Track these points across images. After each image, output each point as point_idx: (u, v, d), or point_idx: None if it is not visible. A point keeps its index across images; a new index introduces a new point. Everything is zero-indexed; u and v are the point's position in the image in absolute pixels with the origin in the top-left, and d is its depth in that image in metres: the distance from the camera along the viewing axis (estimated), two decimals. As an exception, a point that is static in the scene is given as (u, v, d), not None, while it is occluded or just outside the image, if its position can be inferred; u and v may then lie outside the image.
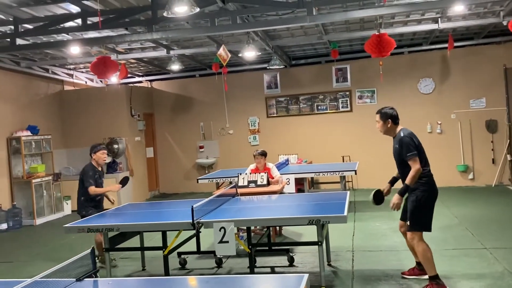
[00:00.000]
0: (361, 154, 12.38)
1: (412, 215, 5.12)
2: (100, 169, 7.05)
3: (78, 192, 6.90)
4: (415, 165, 5.04)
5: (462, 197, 10.72)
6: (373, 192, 5.40)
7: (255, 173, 7.66)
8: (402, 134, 5.25)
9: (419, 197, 5.07)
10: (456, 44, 10.18)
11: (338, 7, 8.28)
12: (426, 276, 5.20)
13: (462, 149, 12.25)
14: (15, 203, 10.62)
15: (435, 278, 5.04)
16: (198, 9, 6.27)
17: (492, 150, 12.10)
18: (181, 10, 6.12)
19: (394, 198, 5.12)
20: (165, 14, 6.35)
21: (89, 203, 6.83)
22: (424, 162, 5.18)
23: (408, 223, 5.21)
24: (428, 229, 5.12)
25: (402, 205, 5.22)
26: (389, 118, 5.32)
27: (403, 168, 5.21)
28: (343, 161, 12.47)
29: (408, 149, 5.10)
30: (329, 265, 6.19)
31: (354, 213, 9.28)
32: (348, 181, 12.27)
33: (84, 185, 6.79)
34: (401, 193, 5.08)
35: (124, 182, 7.10)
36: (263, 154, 8.00)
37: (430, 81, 12.45)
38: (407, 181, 5.05)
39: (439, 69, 12.40)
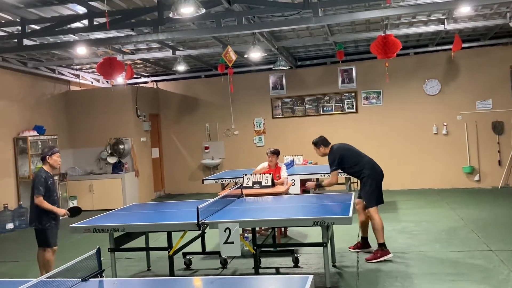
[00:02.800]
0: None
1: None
2: (52, 173, 6.19)
3: (31, 202, 6.04)
4: (331, 178, 6.73)
5: (467, 198, 10.69)
6: None
7: (267, 173, 7.69)
8: (328, 154, 6.76)
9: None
10: (462, 45, 10.15)
11: (344, 8, 8.28)
12: (368, 250, 6.68)
13: (468, 150, 12.21)
14: (21, 203, 10.67)
15: (382, 245, 6.33)
16: (204, 10, 6.29)
17: (498, 151, 12.05)
18: (187, 11, 6.13)
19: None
20: (171, 15, 6.36)
21: (49, 214, 5.96)
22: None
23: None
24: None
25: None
26: (321, 144, 6.78)
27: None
28: (349, 162, 12.42)
29: (330, 165, 6.70)
30: (334, 266, 6.19)
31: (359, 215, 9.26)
32: (353, 182, 12.23)
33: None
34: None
35: (72, 212, 6.17)
36: (275, 152, 8.05)
37: (436, 82, 12.41)
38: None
39: (445, 70, 12.37)
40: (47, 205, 5.91)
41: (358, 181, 6.90)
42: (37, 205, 5.92)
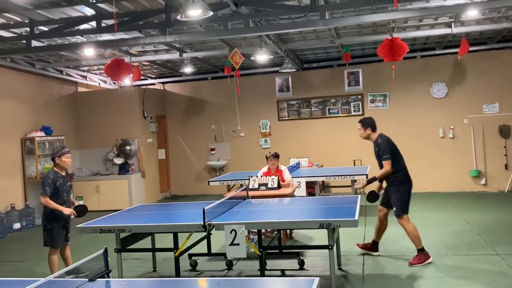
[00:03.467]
0: (372, 158, 12.20)
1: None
2: (63, 173, 6.30)
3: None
4: (387, 166, 6.36)
5: (474, 202, 10.64)
6: (367, 193, 6.60)
7: (267, 176, 7.69)
8: (379, 140, 6.47)
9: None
10: (469, 48, 10.12)
11: (350, 11, 8.28)
12: (375, 253, 6.68)
13: (475, 154, 12.17)
14: (28, 203, 10.73)
15: (422, 250, 6.26)
16: (211, 13, 6.31)
17: (505, 155, 11.99)
18: (194, 13, 6.16)
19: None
20: (178, 17, 6.40)
21: (57, 215, 6.11)
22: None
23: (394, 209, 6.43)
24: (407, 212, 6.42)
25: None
26: (369, 126, 6.56)
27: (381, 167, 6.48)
28: (354, 165, 12.43)
29: (384, 152, 6.40)
30: (340, 269, 6.19)
31: (365, 217, 9.20)
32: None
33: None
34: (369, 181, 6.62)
35: (79, 211, 6.29)
36: (276, 156, 8.11)
37: (443, 86, 12.38)
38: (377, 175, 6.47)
39: (452, 74, 12.34)
40: (53, 204, 6.05)
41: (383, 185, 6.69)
42: (44, 205, 6.08)
